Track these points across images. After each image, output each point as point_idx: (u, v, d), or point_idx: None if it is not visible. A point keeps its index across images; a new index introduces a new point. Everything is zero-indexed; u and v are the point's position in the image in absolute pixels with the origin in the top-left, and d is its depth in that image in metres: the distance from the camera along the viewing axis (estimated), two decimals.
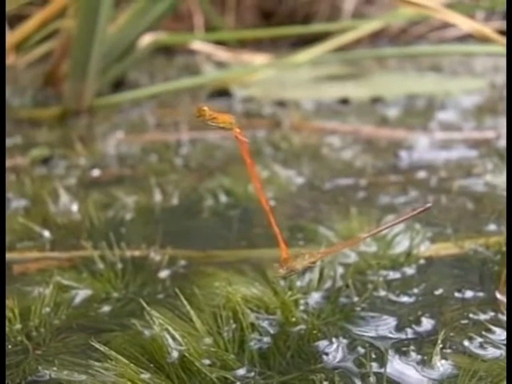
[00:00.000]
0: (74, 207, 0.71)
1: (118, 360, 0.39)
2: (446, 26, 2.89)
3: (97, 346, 0.40)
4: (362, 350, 0.42)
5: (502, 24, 2.86)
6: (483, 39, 1.11)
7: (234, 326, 0.44)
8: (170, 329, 0.42)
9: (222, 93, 1.50)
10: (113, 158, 0.95)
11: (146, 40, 1.58)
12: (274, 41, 2.73)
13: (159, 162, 0.92)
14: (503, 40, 1.11)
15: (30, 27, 1.54)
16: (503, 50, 1.09)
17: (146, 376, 0.39)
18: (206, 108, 0.37)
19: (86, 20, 1.16)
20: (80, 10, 1.17)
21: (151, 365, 0.41)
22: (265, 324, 0.44)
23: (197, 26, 2.38)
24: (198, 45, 1.97)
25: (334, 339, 0.43)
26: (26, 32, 1.55)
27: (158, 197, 0.74)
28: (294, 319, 0.45)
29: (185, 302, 0.44)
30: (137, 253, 0.57)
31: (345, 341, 0.43)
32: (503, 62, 1.94)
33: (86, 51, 1.19)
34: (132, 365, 0.39)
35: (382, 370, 0.39)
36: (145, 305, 0.44)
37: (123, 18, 1.46)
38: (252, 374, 0.39)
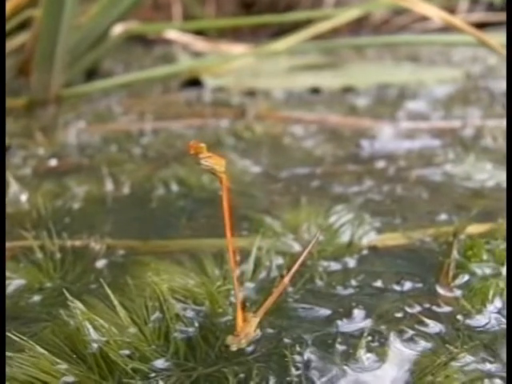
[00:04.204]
0: (23, 197, 0.70)
1: (35, 350, 0.39)
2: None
3: (11, 336, 0.39)
4: (287, 342, 0.41)
5: (485, 15, 2.86)
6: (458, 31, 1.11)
7: (160, 316, 0.43)
8: (93, 319, 0.41)
9: (193, 82, 1.48)
10: (72, 148, 0.93)
11: (119, 29, 1.56)
12: (255, 31, 2.71)
13: (118, 152, 0.91)
14: (473, 31, 1.11)
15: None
16: (477, 41, 1.09)
17: (62, 366, 0.38)
18: (203, 146, 0.35)
19: (51, 10, 1.14)
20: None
21: (74, 355, 0.40)
22: (191, 315, 0.44)
23: (175, 15, 2.36)
24: (175, 35, 1.95)
25: (259, 331, 0.42)
26: None
27: (109, 186, 0.73)
28: (220, 310, 0.44)
29: (109, 292, 0.43)
30: (77, 243, 0.57)
31: (271, 331, 0.42)
32: (482, 52, 1.93)
33: (52, 41, 1.17)
34: (48, 354, 0.39)
35: (305, 362, 0.39)
36: (68, 295, 0.43)
37: (96, 7, 1.44)
38: (170, 365, 0.39)
